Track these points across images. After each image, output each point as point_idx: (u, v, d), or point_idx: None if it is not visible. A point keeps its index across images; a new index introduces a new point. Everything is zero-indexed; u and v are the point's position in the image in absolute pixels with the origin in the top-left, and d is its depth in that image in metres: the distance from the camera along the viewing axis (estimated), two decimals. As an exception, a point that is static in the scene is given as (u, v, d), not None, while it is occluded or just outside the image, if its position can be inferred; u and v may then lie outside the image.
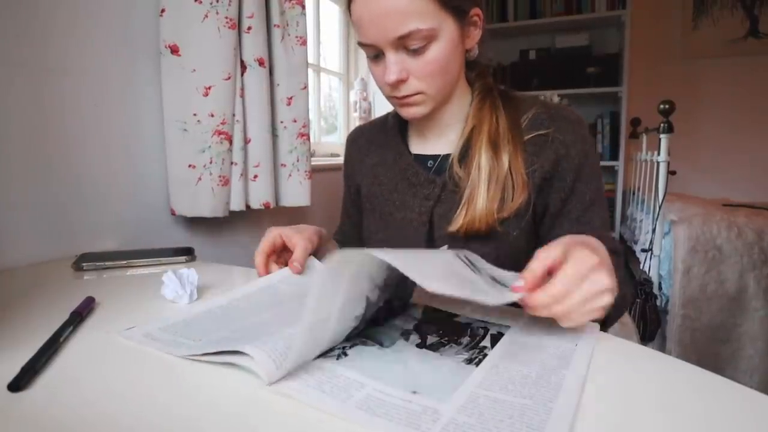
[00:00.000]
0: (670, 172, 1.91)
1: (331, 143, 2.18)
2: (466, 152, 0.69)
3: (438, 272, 0.41)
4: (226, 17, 1.03)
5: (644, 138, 2.34)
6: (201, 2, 0.99)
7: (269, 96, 1.21)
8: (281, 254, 0.68)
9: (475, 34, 0.68)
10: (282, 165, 1.30)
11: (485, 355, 0.41)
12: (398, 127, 0.80)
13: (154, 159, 1.03)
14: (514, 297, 0.42)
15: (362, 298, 0.43)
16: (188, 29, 0.99)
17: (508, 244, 0.68)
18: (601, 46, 2.96)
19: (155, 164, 1.04)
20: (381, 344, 0.44)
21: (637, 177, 2.39)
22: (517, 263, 0.55)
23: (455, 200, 0.69)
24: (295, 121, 1.30)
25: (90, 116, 0.90)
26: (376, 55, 0.65)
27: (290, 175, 1.32)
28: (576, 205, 0.67)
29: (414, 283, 0.36)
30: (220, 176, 1.06)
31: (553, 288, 0.41)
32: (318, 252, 0.72)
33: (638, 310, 1.71)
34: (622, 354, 0.44)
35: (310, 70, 1.65)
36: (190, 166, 1.02)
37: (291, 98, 1.28)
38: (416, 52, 0.62)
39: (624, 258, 0.68)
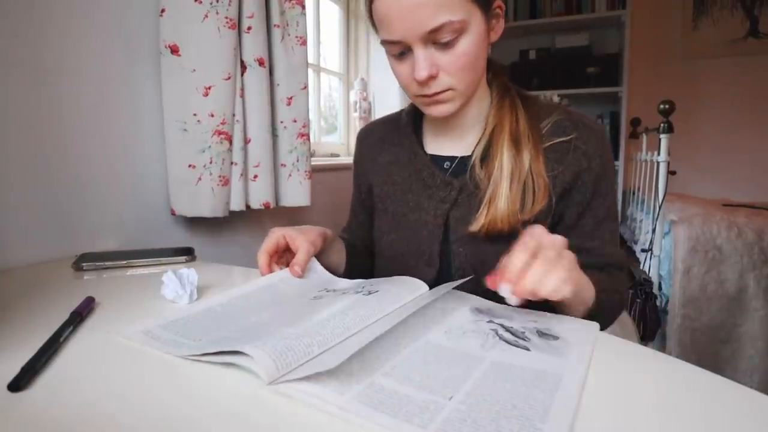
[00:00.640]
0: (670, 172, 1.91)
1: (331, 143, 2.18)
2: (487, 152, 0.68)
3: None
4: (226, 17, 1.03)
5: (644, 138, 2.34)
6: (201, 2, 0.99)
7: (269, 96, 1.21)
8: (284, 255, 0.68)
9: (498, 26, 0.67)
10: (282, 165, 1.30)
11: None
12: (413, 126, 0.79)
13: (154, 159, 1.03)
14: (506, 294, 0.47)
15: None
16: (188, 29, 0.99)
17: None
18: (601, 46, 2.96)
19: (155, 164, 1.04)
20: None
21: (637, 177, 2.39)
22: None
23: (473, 203, 0.68)
24: (295, 121, 1.30)
25: (90, 116, 0.90)
26: (401, 52, 0.63)
27: (290, 175, 1.32)
28: (589, 219, 0.67)
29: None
30: (220, 176, 1.06)
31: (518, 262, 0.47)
32: (323, 253, 0.72)
33: (638, 310, 1.71)
34: (622, 354, 0.44)
35: (310, 70, 1.65)
36: (190, 166, 1.02)
37: (291, 98, 1.28)
38: (446, 46, 0.60)
39: (622, 273, 0.68)
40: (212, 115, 1.03)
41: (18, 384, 0.35)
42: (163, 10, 0.98)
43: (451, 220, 0.70)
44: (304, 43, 1.31)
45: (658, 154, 1.90)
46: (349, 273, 0.78)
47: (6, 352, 0.42)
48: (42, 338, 0.42)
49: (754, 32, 2.80)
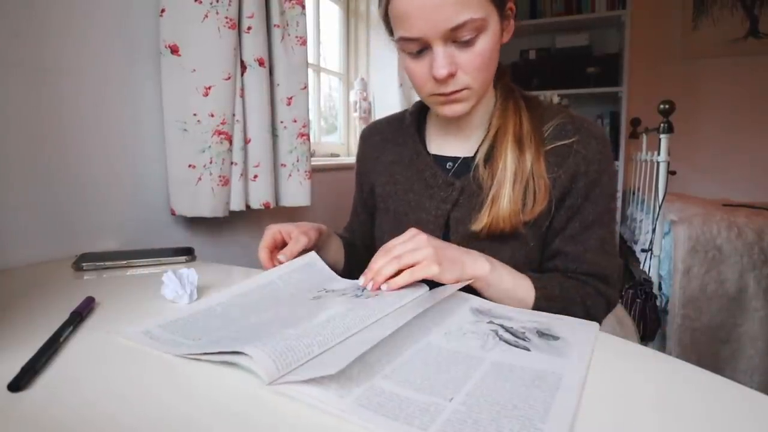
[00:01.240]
0: (670, 172, 1.91)
1: (331, 143, 2.18)
2: (490, 153, 0.68)
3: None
4: (226, 17, 1.03)
5: (644, 138, 2.34)
6: (201, 2, 0.99)
7: (269, 96, 1.21)
8: (282, 249, 0.68)
9: (510, 27, 0.67)
10: (282, 165, 1.30)
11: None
12: (416, 126, 0.79)
13: (154, 159, 1.03)
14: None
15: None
16: (188, 29, 0.99)
17: (526, 250, 0.67)
18: (601, 46, 2.96)
19: (155, 164, 1.04)
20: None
21: (637, 177, 2.39)
22: (530, 269, 0.67)
23: (474, 204, 0.68)
24: (295, 121, 1.30)
25: (90, 116, 0.90)
26: (419, 51, 0.62)
27: (290, 175, 1.32)
28: (576, 223, 0.67)
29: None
30: (220, 176, 1.06)
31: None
32: (319, 249, 0.72)
33: (638, 310, 1.71)
34: (622, 354, 0.44)
35: (310, 70, 1.65)
36: (190, 166, 1.02)
37: (291, 98, 1.28)
38: (465, 45, 0.60)
39: (604, 285, 0.67)
40: (212, 115, 1.03)
41: (18, 384, 0.35)
42: (163, 10, 0.98)
43: (451, 221, 0.70)
44: (304, 43, 1.31)
45: (658, 154, 1.90)
46: (348, 271, 0.78)
47: (6, 352, 0.42)
48: (42, 338, 0.42)
49: (754, 32, 2.80)
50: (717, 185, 2.89)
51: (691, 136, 2.89)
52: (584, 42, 2.93)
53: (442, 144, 0.76)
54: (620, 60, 2.77)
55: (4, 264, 0.76)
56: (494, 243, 0.66)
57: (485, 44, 0.61)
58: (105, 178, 0.93)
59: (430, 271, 0.54)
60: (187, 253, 0.81)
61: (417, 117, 0.80)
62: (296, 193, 1.33)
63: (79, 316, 0.49)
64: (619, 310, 1.44)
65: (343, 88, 2.25)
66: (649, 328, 1.71)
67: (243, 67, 1.13)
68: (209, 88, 1.02)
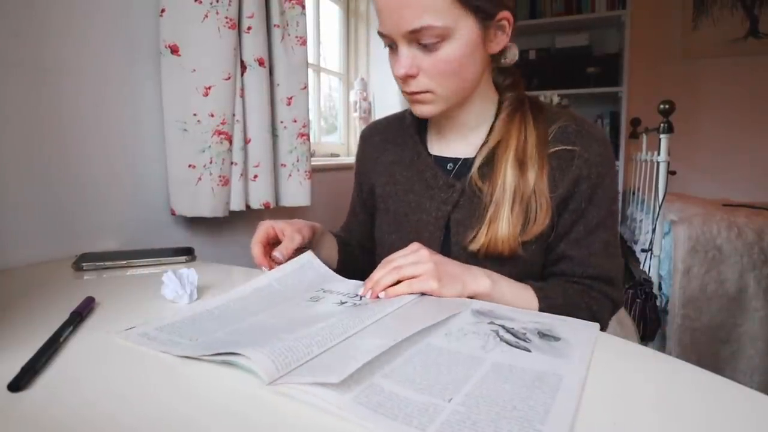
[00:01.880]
0: (670, 172, 1.91)
1: (331, 143, 2.18)
2: (489, 163, 0.68)
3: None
4: (226, 17, 1.03)
5: (644, 138, 2.34)
6: (201, 2, 0.99)
7: (269, 96, 1.21)
8: (275, 246, 0.68)
9: (501, 38, 0.65)
10: (282, 165, 1.30)
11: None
12: (417, 126, 0.79)
13: (154, 159, 1.03)
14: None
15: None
16: (188, 29, 0.99)
17: (525, 269, 0.67)
18: (601, 46, 2.96)
19: (155, 164, 1.04)
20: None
21: (637, 177, 2.39)
22: (533, 276, 0.69)
23: (474, 207, 0.68)
24: (295, 121, 1.30)
25: (90, 116, 0.90)
26: (390, 45, 0.64)
27: (290, 175, 1.32)
28: (580, 227, 0.67)
29: None
30: (220, 176, 1.06)
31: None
32: (312, 246, 0.72)
33: (638, 310, 1.71)
34: (622, 354, 0.44)
35: (310, 70, 1.65)
36: (190, 166, 1.02)
37: (291, 98, 1.28)
38: (428, 49, 0.60)
39: (609, 287, 0.67)
40: (212, 115, 1.03)
41: (18, 384, 0.35)
42: (163, 10, 0.98)
43: (452, 222, 0.70)
44: (304, 43, 1.31)
45: (658, 154, 1.90)
46: (341, 270, 0.78)
47: (6, 352, 0.42)
48: (42, 338, 0.42)
49: (754, 32, 2.80)
50: (717, 185, 2.89)
51: (691, 136, 2.89)
52: (584, 42, 2.93)
53: (442, 145, 0.76)
54: (620, 60, 2.77)
55: (4, 264, 0.76)
56: (494, 263, 0.65)
57: (450, 52, 0.60)
58: (105, 178, 0.93)
59: (429, 286, 0.55)
60: (187, 253, 0.81)
61: (418, 118, 0.80)
62: (296, 193, 1.33)
63: (79, 316, 0.49)
64: (619, 311, 1.44)
65: (343, 88, 2.25)
66: (649, 328, 1.71)
67: (243, 67, 1.13)
68: (209, 88, 1.02)
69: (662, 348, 1.83)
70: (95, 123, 0.91)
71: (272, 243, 0.68)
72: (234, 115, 1.10)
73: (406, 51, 0.61)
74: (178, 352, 0.41)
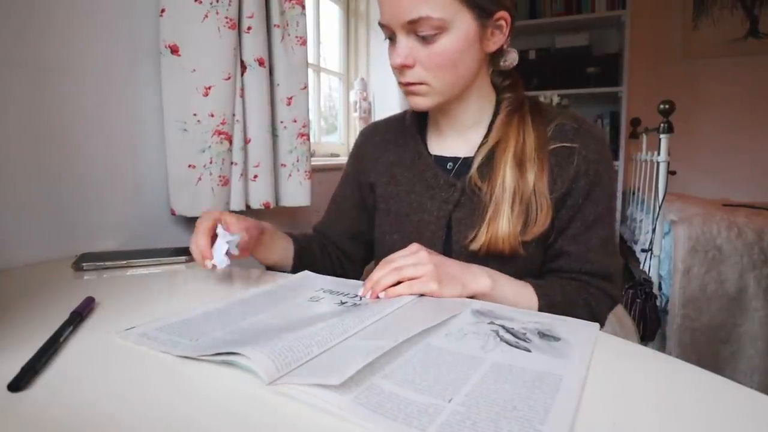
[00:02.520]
0: (670, 172, 1.91)
1: (331, 143, 2.18)
2: (489, 163, 0.68)
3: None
4: (226, 17, 1.03)
5: (644, 138, 2.34)
6: (201, 2, 0.99)
7: (269, 96, 1.21)
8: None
9: (498, 38, 0.66)
10: (282, 165, 1.30)
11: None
12: (417, 126, 0.79)
13: (154, 159, 1.03)
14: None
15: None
16: (188, 29, 0.99)
17: (526, 267, 0.68)
18: (601, 46, 2.96)
19: (155, 164, 1.04)
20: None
21: (637, 177, 2.39)
22: (534, 275, 0.70)
23: (476, 204, 0.68)
24: (295, 121, 1.30)
25: (90, 116, 0.90)
26: (391, 37, 0.65)
27: (290, 175, 1.32)
28: (577, 223, 0.67)
29: None
30: (220, 176, 1.06)
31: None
32: (262, 247, 0.73)
33: (638, 310, 1.71)
34: (622, 354, 0.44)
35: (310, 70, 1.65)
36: (190, 166, 1.02)
37: (291, 98, 1.28)
38: (426, 41, 0.62)
39: (607, 283, 0.67)
40: (212, 115, 1.03)
41: (18, 384, 0.35)
42: (163, 10, 0.98)
43: (453, 221, 0.70)
44: (304, 43, 1.31)
45: (658, 154, 1.90)
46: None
47: (6, 352, 0.42)
48: (42, 338, 0.42)
49: (754, 32, 2.80)
50: (717, 185, 2.89)
51: (691, 136, 2.89)
52: (584, 42, 2.93)
53: (442, 144, 0.77)
54: (620, 60, 2.77)
55: (4, 264, 0.75)
56: (496, 261, 0.65)
57: (447, 45, 0.62)
58: (105, 178, 0.93)
59: (429, 288, 0.55)
60: (187, 253, 0.81)
61: (418, 117, 0.80)
62: (296, 193, 1.33)
63: (79, 316, 0.49)
64: (619, 310, 1.44)
65: (343, 88, 2.25)
66: (649, 328, 1.71)
67: (243, 67, 1.13)
68: (209, 88, 1.02)
69: (662, 348, 1.83)
70: (95, 123, 0.91)
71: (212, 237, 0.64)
72: (234, 115, 1.10)
73: (404, 41, 0.63)
74: (179, 352, 0.41)
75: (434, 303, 0.54)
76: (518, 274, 0.65)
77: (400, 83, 0.67)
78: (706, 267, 1.78)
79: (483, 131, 0.72)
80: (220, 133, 1.05)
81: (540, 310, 0.61)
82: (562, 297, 0.63)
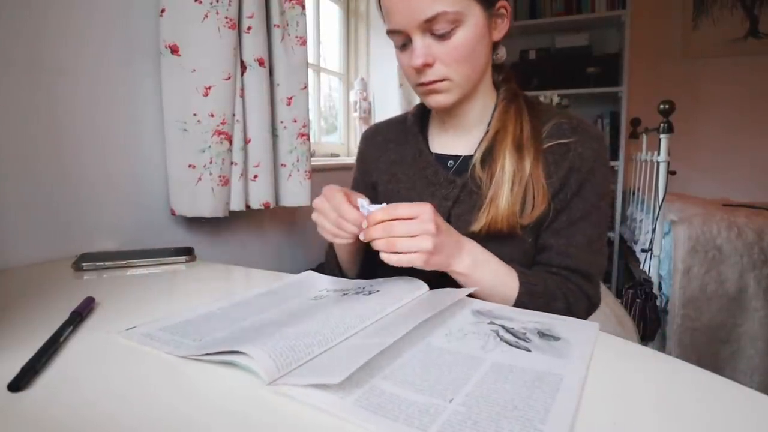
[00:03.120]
0: (670, 172, 1.91)
1: (331, 143, 2.18)
2: (489, 154, 0.69)
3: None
4: (226, 17, 1.03)
5: (644, 138, 2.34)
6: (201, 2, 0.99)
7: (269, 96, 1.21)
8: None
9: (503, 26, 0.69)
10: (282, 165, 1.30)
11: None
12: (419, 126, 0.81)
13: (154, 159, 1.03)
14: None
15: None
16: (188, 29, 0.99)
17: (525, 249, 0.69)
18: (601, 46, 2.96)
19: (155, 164, 1.04)
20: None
21: (637, 177, 2.39)
22: (528, 266, 0.69)
23: (474, 202, 0.69)
24: (295, 121, 1.30)
25: (90, 116, 0.90)
26: (404, 43, 0.66)
27: (290, 175, 1.32)
28: (563, 217, 0.68)
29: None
30: (220, 176, 1.06)
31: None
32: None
33: (638, 310, 1.71)
34: (622, 354, 0.44)
35: (310, 70, 1.65)
36: (190, 166, 1.02)
37: (291, 98, 1.28)
38: (443, 37, 0.63)
39: (587, 282, 0.67)
40: (212, 115, 1.03)
41: (18, 384, 0.35)
42: (163, 10, 0.98)
43: (452, 217, 0.71)
44: (304, 43, 1.31)
45: (658, 154, 1.90)
46: (361, 265, 0.79)
47: (6, 352, 0.42)
48: (42, 338, 0.42)
49: (754, 32, 2.80)
50: (717, 185, 2.89)
51: (691, 136, 2.89)
52: (584, 42, 2.93)
53: (443, 143, 0.78)
54: (620, 60, 2.77)
55: (4, 264, 0.76)
56: (494, 243, 0.66)
57: (463, 38, 0.63)
58: (105, 178, 0.93)
59: (414, 264, 0.54)
60: (187, 253, 0.81)
61: (420, 117, 0.82)
62: (296, 193, 1.33)
63: (79, 316, 0.49)
64: (619, 310, 1.44)
65: (343, 88, 2.25)
66: (649, 328, 1.71)
67: (243, 67, 1.13)
68: (209, 88, 1.02)
69: (662, 348, 1.83)
70: (95, 123, 0.91)
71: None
72: (234, 115, 1.10)
73: (420, 42, 0.63)
74: (182, 353, 0.41)
75: (436, 302, 0.54)
76: (515, 258, 0.66)
77: (419, 85, 0.68)
78: (706, 267, 1.78)
79: (484, 128, 0.73)
80: (220, 133, 1.05)
81: (519, 297, 0.62)
82: (543, 288, 0.64)
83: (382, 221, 0.54)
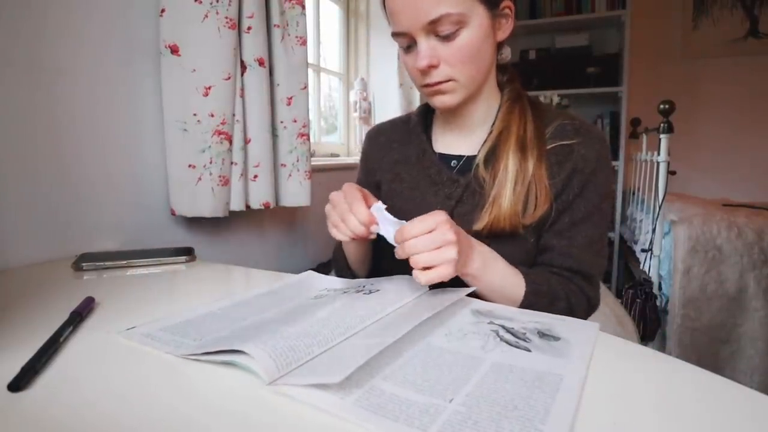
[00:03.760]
0: (670, 172, 1.91)
1: (331, 143, 2.18)
2: (492, 154, 0.70)
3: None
4: (226, 17, 1.03)
5: (644, 138, 2.34)
6: (201, 2, 0.99)
7: (269, 96, 1.21)
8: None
9: (507, 26, 0.69)
10: (282, 165, 1.30)
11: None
12: (422, 126, 0.81)
13: (154, 159, 1.03)
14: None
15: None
16: (188, 29, 0.99)
17: (526, 248, 0.69)
18: (601, 46, 2.96)
19: (155, 164, 1.04)
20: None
21: (637, 177, 2.39)
22: (529, 266, 0.69)
23: (477, 201, 0.69)
24: (295, 121, 1.30)
25: (90, 116, 0.90)
26: (409, 45, 0.66)
27: (290, 175, 1.32)
28: (565, 218, 0.68)
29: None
30: (220, 176, 1.06)
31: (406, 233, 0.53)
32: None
33: (638, 310, 1.71)
34: (622, 354, 0.44)
35: (310, 70, 1.65)
36: (190, 166, 1.02)
37: (291, 98, 1.28)
38: (447, 39, 0.63)
39: (587, 283, 0.67)
40: (212, 115, 1.03)
41: (18, 384, 0.35)
42: (163, 10, 0.98)
43: (455, 217, 0.71)
44: (304, 43, 1.31)
45: (658, 154, 1.90)
46: (372, 263, 0.79)
47: (6, 352, 0.42)
48: (42, 338, 0.42)
49: (754, 32, 2.80)
50: (717, 185, 2.89)
51: (691, 136, 2.89)
52: (584, 42, 2.93)
53: (447, 143, 0.78)
54: (620, 60, 2.77)
55: (4, 264, 0.76)
56: (498, 242, 0.66)
57: (468, 39, 0.63)
58: (105, 178, 0.93)
59: (445, 278, 0.53)
60: (187, 253, 0.81)
61: (423, 117, 0.82)
62: (296, 193, 1.33)
63: (79, 316, 0.49)
64: (619, 310, 1.44)
65: (343, 88, 2.25)
66: (649, 328, 1.71)
67: (243, 67, 1.13)
68: (209, 88, 1.02)
69: (662, 348, 1.83)
70: (95, 123, 0.91)
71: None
72: (234, 115, 1.10)
73: (425, 43, 0.64)
74: (182, 353, 0.41)
75: (436, 302, 0.54)
76: (517, 258, 0.66)
77: (424, 86, 0.68)
78: (706, 267, 1.78)
79: (488, 129, 0.73)
80: (220, 133, 1.05)
81: (526, 297, 0.62)
82: (547, 287, 0.64)
83: (404, 240, 0.53)
